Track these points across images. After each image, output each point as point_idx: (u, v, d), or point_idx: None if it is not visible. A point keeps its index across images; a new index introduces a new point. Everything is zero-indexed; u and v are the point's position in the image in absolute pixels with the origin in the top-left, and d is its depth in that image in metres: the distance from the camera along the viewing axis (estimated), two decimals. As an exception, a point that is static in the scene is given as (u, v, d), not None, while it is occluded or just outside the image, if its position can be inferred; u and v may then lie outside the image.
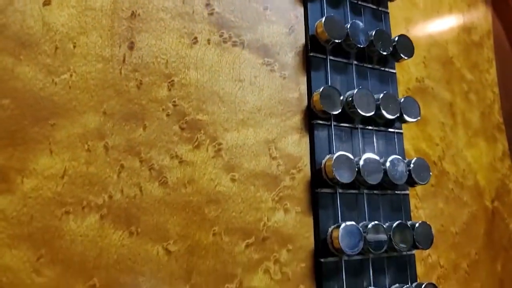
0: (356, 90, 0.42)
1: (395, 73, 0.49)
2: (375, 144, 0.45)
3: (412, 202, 0.49)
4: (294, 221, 0.39)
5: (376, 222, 0.40)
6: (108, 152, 0.33)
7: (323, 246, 0.39)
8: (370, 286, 0.40)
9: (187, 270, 0.34)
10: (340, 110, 0.41)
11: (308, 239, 0.39)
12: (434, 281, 0.49)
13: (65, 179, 0.32)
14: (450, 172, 0.55)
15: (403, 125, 0.49)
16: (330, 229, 0.39)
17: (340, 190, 0.41)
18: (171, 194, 0.34)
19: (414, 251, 0.45)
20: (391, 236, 0.40)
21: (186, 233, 0.34)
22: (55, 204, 0.31)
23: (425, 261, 0.49)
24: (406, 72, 0.55)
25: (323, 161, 0.40)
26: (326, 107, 0.40)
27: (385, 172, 0.42)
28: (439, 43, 0.61)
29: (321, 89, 0.41)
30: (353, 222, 0.38)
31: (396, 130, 0.47)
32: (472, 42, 0.67)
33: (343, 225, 0.38)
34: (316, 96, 0.41)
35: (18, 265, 0.29)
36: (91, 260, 0.31)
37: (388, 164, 0.42)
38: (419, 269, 0.47)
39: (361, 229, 0.38)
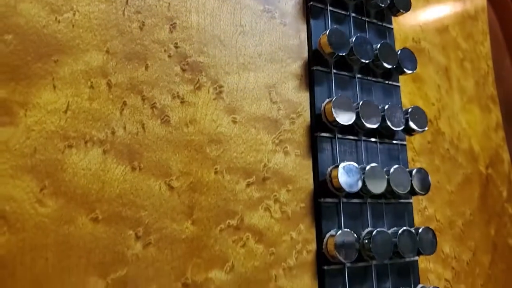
0: (354, 37, 0.41)
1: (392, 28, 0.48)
2: (373, 94, 0.43)
3: (409, 154, 0.47)
4: (293, 164, 0.38)
5: (375, 164, 0.38)
6: (111, 90, 0.32)
7: (321, 188, 0.38)
8: (368, 227, 0.39)
9: (189, 206, 0.33)
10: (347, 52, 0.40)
11: (307, 181, 0.38)
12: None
13: (68, 114, 0.30)
14: (446, 132, 0.54)
15: (401, 80, 0.47)
16: (329, 169, 0.37)
17: (339, 135, 0.39)
18: (173, 132, 0.33)
19: (411, 199, 0.43)
20: (389, 181, 0.39)
21: (188, 170, 0.33)
22: (58, 137, 0.30)
23: (422, 213, 0.48)
24: (403, 31, 0.53)
25: (323, 104, 0.39)
26: (334, 47, 0.39)
27: (383, 118, 0.40)
28: (435, 11, 0.59)
29: (328, 31, 0.39)
30: (352, 162, 0.37)
31: (394, 83, 0.45)
32: (468, 14, 0.65)
33: (342, 164, 0.36)
34: (323, 38, 0.39)
35: (21, 195, 0.28)
36: (94, 193, 0.30)
37: (386, 111, 0.41)
38: (416, 219, 0.46)
39: (359, 169, 0.37)
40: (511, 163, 0.65)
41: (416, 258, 0.41)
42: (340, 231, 0.35)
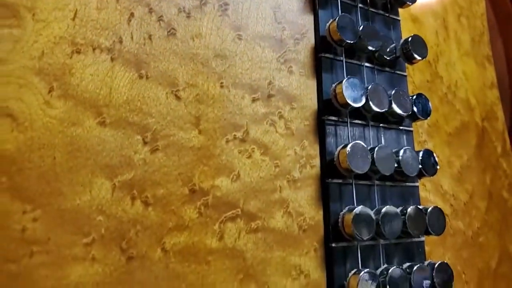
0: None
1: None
2: (376, 23, 0.41)
3: (410, 87, 0.45)
4: (298, 83, 0.36)
5: (377, 84, 0.36)
6: (119, 1, 0.30)
7: (325, 106, 0.36)
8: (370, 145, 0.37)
9: (195, 116, 0.31)
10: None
11: (311, 100, 0.36)
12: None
13: (76, 21, 0.29)
14: (444, 77, 0.52)
15: (401, 18, 0.45)
16: (333, 85, 0.36)
17: (344, 58, 0.38)
18: (179, 45, 0.32)
19: (412, 128, 0.42)
20: (391, 103, 0.37)
21: (194, 83, 0.31)
22: (66, 43, 0.28)
23: (421, 145, 0.46)
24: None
25: (328, 24, 0.37)
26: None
27: (386, 45, 0.38)
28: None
29: None
30: (356, 78, 0.35)
31: (394, 17, 0.43)
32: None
33: (346, 79, 0.35)
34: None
35: (29, 96, 0.26)
36: (101, 98, 0.28)
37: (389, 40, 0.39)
38: (416, 148, 0.44)
39: (363, 86, 0.35)
40: (505, 123, 0.63)
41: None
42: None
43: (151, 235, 0.28)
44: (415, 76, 0.48)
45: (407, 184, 0.39)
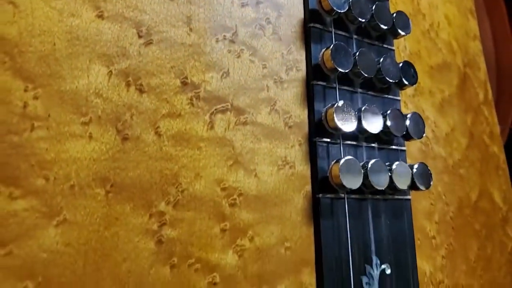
0: None
1: None
2: None
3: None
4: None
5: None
6: None
7: (312, 15, 0.36)
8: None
9: (187, 16, 0.31)
10: None
11: (298, 9, 0.36)
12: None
13: None
14: (426, 15, 0.51)
15: None
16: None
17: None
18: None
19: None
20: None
21: (186, -15, 0.31)
22: None
23: (404, 54, 0.46)
24: None
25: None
26: None
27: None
28: None
29: None
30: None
31: None
32: None
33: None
34: None
35: (30, -15, 0.26)
36: None
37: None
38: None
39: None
40: (487, 74, 0.62)
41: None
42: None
43: (145, 119, 0.29)
44: (398, 5, 0.48)
45: (389, 97, 0.39)
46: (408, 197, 0.38)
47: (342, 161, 0.31)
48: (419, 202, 0.42)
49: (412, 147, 0.43)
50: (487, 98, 0.59)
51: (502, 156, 0.58)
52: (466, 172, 0.50)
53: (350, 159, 0.32)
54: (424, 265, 0.41)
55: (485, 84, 0.59)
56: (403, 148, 0.39)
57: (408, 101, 0.45)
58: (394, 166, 0.34)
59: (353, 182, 0.31)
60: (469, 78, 0.57)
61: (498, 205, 0.54)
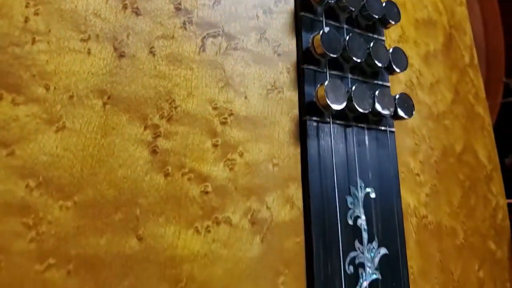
0: None
1: None
2: None
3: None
4: None
5: None
6: None
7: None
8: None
9: None
10: None
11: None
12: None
13: None
14: None
15: None
16: None
17: None
18: None
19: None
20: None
21: None
22: None
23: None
24: None
25: None
26: None
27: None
28: None
29: None
30: None
31: None
32: None
33: None
34: None
35: None
36: None
37: None
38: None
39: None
40: (473, 40, 0.62)
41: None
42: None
43: (140, 39, 0.29)
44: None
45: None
46: (392, 129, 0.39)
47: (327, 81, 0.32)
48: (404, 139, 0.43)
49: (396, 87, 0.43)
50: (473, 62, 0.59)
51: (488, 119, 0.58)
52: (450, 124, 0.51)
53: (335, 80, 0.32)
54: (408, 198, 0.41)
55: (471, 48, 0.59)
56: (387, 84, 0.39)
57: (393, 46, 0.45)
58: (377, 93, 0.34)
59: (338, 102, 0.32)
60: (454, 39, 0.56)
61: (482, 163, 0.54)
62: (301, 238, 0.31)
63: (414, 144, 0.44)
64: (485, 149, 0.55)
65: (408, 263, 0.37)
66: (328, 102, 0.31)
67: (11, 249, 0.23)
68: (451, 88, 0.53)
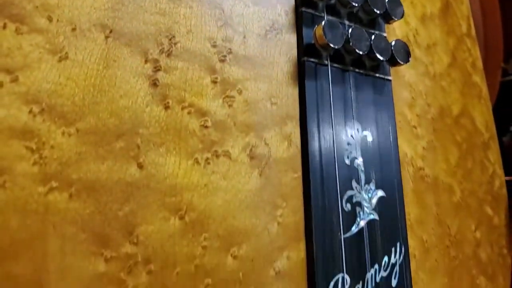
0: None
1: None
2: None
3: None
4: None
5: None
6: None
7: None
8: None
9: None
10: None
11: None
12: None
13: None
14: None
15: None
16: None
17: None
18: None
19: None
20: None
21: None
22: None
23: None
24: None
25: None
26: None
27: None
28: None
29: None
30: None
31: None
32: None
33: None
34: None
35: None
36: None
37: None
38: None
39: None
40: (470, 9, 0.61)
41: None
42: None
43: (140, -24, 0.29)
44: None
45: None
46: (389, 77, 0.38)
47: (325, 21, 0.31)
48: (400, 92, 0.43)
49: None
50: (470, 32, 0.58)
51: (485, 90, 0.58)
52: (448, 87, 0.50)
53: (333, 19, 0.32)
54: (405, 148, 0.41)
55: (468, 18, 0.58)
56: (384, 34, 0.39)
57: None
58: (373, 37, 0.34)
59: (336, 42, 0.32)
60: (451, 7, 0.56)
61: (479, 130, 0.53)
62: (298, 174, 0.32)
63: (411, 98, 0.44)
64: (482, 117, 0.55)
65: (405, 209, 0.37)
66: (326, 40, 0.31)
67: (15, 171, 0.23)
68: (448, 52, 0.52)
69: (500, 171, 0.55)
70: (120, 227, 0.25)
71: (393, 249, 0.35)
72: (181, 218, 0.27)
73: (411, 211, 0.39)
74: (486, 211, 0.51)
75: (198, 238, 0.27)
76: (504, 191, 0.56)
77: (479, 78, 0.57)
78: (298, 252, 0.30)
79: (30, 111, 0.24)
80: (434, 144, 0.46)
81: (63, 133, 0.25)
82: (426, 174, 0.43)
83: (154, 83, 0.28)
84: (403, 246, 0.35)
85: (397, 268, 0.35)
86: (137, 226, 0.26)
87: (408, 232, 0.37)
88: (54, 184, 0.24)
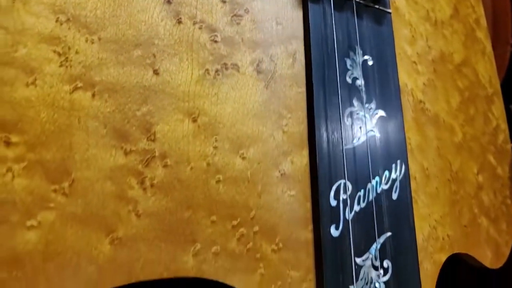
0: None
1: None
2: None
3: None
4: None
5: None
6: None
7: None
8: None
9: None
10: None
11: None
12: None
13: None
14: None
15: None
16: None
17: None
18: None
19: None
20: None
21: None
22: None
23: None
24: None
25: None
26: None
27: None
28: None
29: None
30: None
31: None
32: None
33: None
34: None
35: None
36: None
37: None
38: None
39: None
40: None
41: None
42: None
43: None
44: None
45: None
46: (389, 10, 0.39)
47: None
48: (400, 28, 0.43)
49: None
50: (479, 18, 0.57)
51: (489, 48, 0.56)
52: (450, 36, 0.50)
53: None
54: (404, 78, 0.41)
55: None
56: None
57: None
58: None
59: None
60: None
61: (483, 83, 0.52)
62: (302, 89, 0.33)
63: (411, 36, 0.44)
64: (486, 72, 0.53)
65: (406, 134, 0.38)
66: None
67: (44, 71, 0.25)
68: (450, 4, 0.52)
69: (504, 125, 0.54)
70: (139, 125, 0.27)
71: (393, 165, 0.36)
72: (194, 120, 0.29)
73: (412, 136, 0.40)
74: (489, 160, 0.50)
75: (210, 139, 0.29)
76: (509, 147, 0.55)
77: (483, 35, 0.56)
78: (302, 158, 0.32)
79: (57, 20, 0.26)
80: (435, 83, 0.45)
81: (86, 40, 0.27)
82: (427, 108, 0.43)
83: (168, 1, 0.30)
84: (403, 164, 0.36)
85: (397, 183, 0.36)
86: (154, 125, 0.28)
87: (409, 156, 0.38)
88: (79, 84, 0.26)
